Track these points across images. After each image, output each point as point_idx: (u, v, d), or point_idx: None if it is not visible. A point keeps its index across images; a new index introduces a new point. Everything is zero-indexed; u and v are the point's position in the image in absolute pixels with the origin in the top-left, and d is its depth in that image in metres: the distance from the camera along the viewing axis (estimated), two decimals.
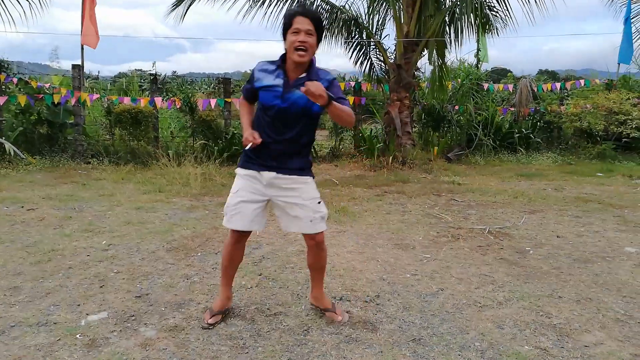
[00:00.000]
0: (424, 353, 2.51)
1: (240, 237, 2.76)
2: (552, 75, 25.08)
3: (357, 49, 10.59)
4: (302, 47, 2.47)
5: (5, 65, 9.21)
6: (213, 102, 9.55)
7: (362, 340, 2.62)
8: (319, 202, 2.71)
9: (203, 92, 15.25)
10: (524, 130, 11.09)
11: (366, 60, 10.67)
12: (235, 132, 9.29)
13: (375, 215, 5.46)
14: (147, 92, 12.84)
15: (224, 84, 10.31)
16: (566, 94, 12.48)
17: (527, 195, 6.61)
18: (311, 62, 2.58)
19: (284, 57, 2.59)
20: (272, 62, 2.63)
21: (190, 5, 9.77)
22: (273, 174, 2.63)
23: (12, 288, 3.18)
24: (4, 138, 8.08)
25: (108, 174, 7.34)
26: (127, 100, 9.08)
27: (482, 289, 3.40)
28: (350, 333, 2.70)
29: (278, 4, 9.76)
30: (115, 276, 3.45)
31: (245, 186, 2.67)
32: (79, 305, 2.96)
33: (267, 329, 2.74)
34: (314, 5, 9.84)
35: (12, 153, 7.62)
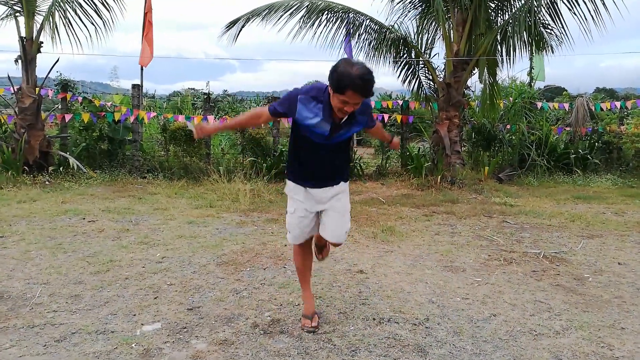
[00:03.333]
0: None
1: (306, 243, 3.06)
2: (610, 94, 24.03)
3: (406, 67, 10.56)
4: (346, 113, 2.56)
5: (71, 85, 9.81)
6: None
7: None
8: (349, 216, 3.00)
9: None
10: (580, 150, 10.65)
11: (414, 79, 10.61)
12: (283, 149, 9.45)
13: (423, 235, 5.37)
14: (199, 110, 13.31)
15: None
16: (626, 113, 11.91)
17: (584, 218, 6.31)
18: None
19: (329, 100, 2.56)
20: (313, 97, 2.59)
21: (243, 27, 10.10)
22: (320, 189, 2.84)
23: (74, 296, 3.34)
24: (68, 153, 8.58)
25: (162, 188, 7.62)
26: (181, 118, 9.45)
27: (537, 316, 3.27)
28: (399, 356, 2.65)
29: (327, 25, 9.93)
30: (168, 288, 3.56)
31: (300, 206, 2.88)
32: (134, 315, 3.07)
33: (314, 347, 2.74)
34: (362, 27, 9.93)
35: (76, 167, 8.08)
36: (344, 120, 2.63)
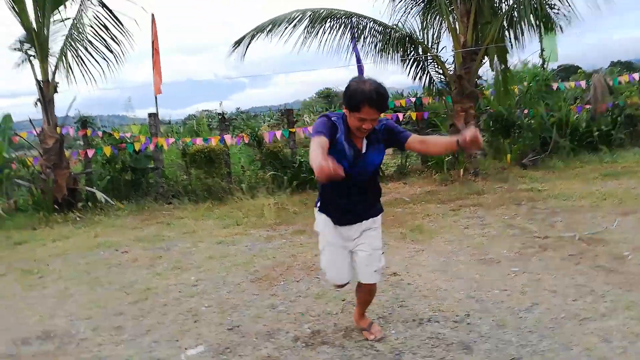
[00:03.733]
0: None
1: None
2: (626, 66, 23.45)
3: (415, 64, 10.52)
4: (365, 132, 2.52)
5: (90, 121, 10.05)
6: (278, 133, 9.83)
7: None
8: (382, 253, 2.84)
9: (267, 125, 15.75)
10: (603, 127, 10.42)
11: (425, 75, 10.56)
12: (302, 160, 9.48)
13: (453, 231, 5.32)
14: (215, 131, 13.48)
15: (286, 115, 10.61)
16: None
17: (616, 196, 6.17)
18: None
19: (346, 122, 2.55)
20: (338, 119, 2.57)
21: (249, 44, 10.22)
22: (347, 227, 2.75)
23: (116, 328, 3.40)
24: (94, 188, 8.77)
25: (189, 212, 7.72)
26: (199, 141, 9.57)
27: (580, 300, 3.20)
28: (444, 355, 2.62)
29: (332, 32, 9.97)
30: (206, 310, 3.60)
31: (329, 241, 2.80)
32: (177, 340, 3.11)
33: (358, 355, 2.73)
34: (367, 29, 9.95)
35: (104, 201, 8.25)
36: (365, 147, 2.59)
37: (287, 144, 10.16)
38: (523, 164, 9.33)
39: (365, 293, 2.93)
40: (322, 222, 2.81)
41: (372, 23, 10.08)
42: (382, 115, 2.58)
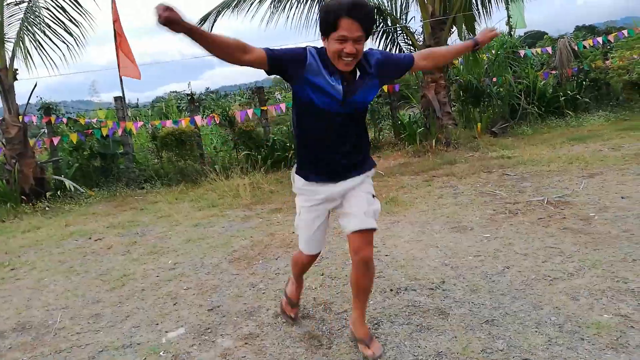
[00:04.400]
0: (499, 333, 2.48)
1: (314, 258, 2.69)
2: (590, 30, 23.89)
3: (384, 36, 10.50)
4: (349, 56, 2.07)
5: (54, 107, 9.74)
6: (250, 112, 9.72)
7: (434, 327, 2.62)
8: (374, 196, 2.41)
9: (239, 104, 15.55)
10: (569, 92, 10.65)
11: (394, 47, 10.56)
12: (275, 138, 9.43)
13: (427, 201, 5.40)
14: (186, 113, 13.24)
15: (257, 94, 10.48)
16: (609, 47, 11.86)
17: (582, 159, 6.35)
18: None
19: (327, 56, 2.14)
20: (320, 54, 2.15)
21: (215, 21, 9.99)
22: (336, 184, 2.36)
23: (95, 315, 3.37)
24: (63, 176, 8.55)
25: (162, 196, 7.62)
26: (169, 124, 9.40)
27: (550, 261, 3.31)
28: (421, 322, 2.70)
29: (299, 7, 9.82)
30: (185, 292, 3.59)
31: (308, 204, 2.46)
32: (157, 324, 3.11)
33: (338, 326, 2.78)
34: None
35: (72, 189, 8.06)
36: (357, 78, 2.17)
37: (260, 122, 10.07)
38: (493, 132, 9.49)
39: (360, 271, 2.33)
40: (302, 184, 2.42)
41: None
42: (368, 42, 2.16)
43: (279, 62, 2.09)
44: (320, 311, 3.00)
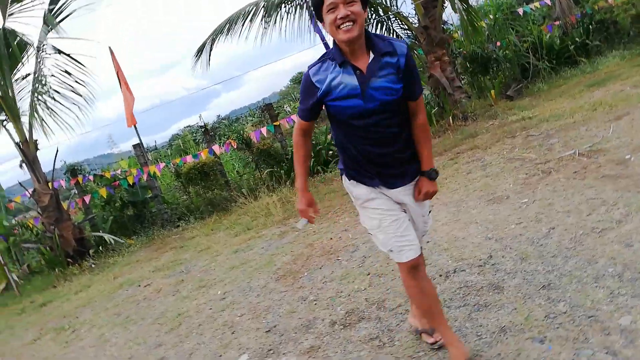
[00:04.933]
0: (559, 296, 2.43)
1: (419, 262, 2.23)
2: None
3: (378, 26, 10.46)
4: (346, 21, 1.93)
5: (78, 168, 10.05)
6: (264, 130, 9.81)
7: (492, 303, 2.59)
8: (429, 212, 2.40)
9: (252, 125, 15.71)
10: (577, 39, 10.38)
11: (391, 34, 10.50)
12: (291, 149, 9.47)
13: (456, 179, 5.35)
14: (203, 144, 13.46)
15: (267, 111, 10.58)
16: None
17: (605, 103, 6.17)
18: (368, 36, 2.03)
19: (336, 46, 2.04)
20: (322, 60, 2.08)
21: (211, 49, 10.14)
22: (395, 190, 2.18)
23: (160, 359, 3.45)
24: (100, 231, 8.80)
25: (198, 230, 7.75)
26: (189, 159, 9.57)
27: (594, 213, 3.23)
28: (477, 301, 2.67)
29: (289, 17, 9.88)
30: (240, 319, 3.64)
31: (379, 206, 2.18)
32: (220, 355, 3.16)
33: (395, 322, 2.77)
34: None
35: (112, 242, 8.28)
36: (370, 65, 2.00)
37: (275, 138, 10.15)
38: (508, 96, 9.32)
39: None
40: (356, 187, 2.20)
41: None
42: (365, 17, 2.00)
43: (312, 112, 2.14)
44: (374, 310, 3.00)
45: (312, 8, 2.07)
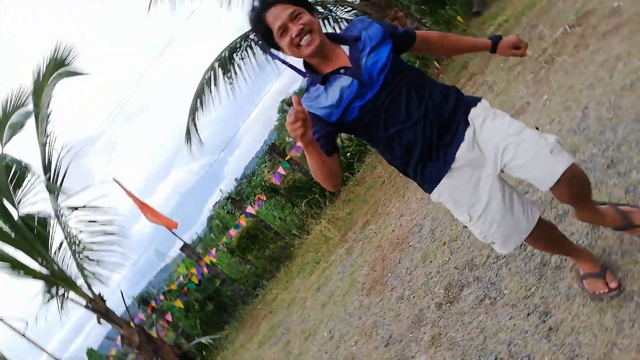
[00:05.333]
0: (627, 167, 2.37)
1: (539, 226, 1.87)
2: None
3: (325, 24, 10.49)
4: (303, 35, 1.75)
5: (147, 295, 10.38)
6: (281, 170, 9.90)
7: (567, 206, 2.52)
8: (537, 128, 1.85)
9: (268, 170, 15.89)
10: None
11: (335, 22, 10.50)
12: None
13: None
14: (237, 212, 13.67)
15: (273, 152, 10.71)
16: None
17: None
18: (332, 37, 1.87)
19: (308, 66, 1.87)
20: (307, 91, 1.86)
21: (197, 129, 10.36)
22: (462, 147, 1.80)
23: None
24: (195, 339, 9.00)
25: (275, 288, 7.83)
26: (233, 232, 9.74)
27: (615, 72, 3.14)
28: (555, 213, 2.60)
29: (245, 62, 10.02)
30: (357, 347, 3.63)
31: (462, 173, 1.82)
32: None
33: (493, 274, 2.73)
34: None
35: (211, 341, 8.46)
36: (349, 56, 1.81)
37: (294, 170, 10.24)
38: (476, 12, 9.16)
39: (576, 195, 1.85)
40: (443, 194, 1.86)
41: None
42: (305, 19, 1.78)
43: (327, 136, 1.83)
44: (468, 273, 2.96)
45: (262, 42, 1.90)
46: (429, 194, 1.88)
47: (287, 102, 24.02)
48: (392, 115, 1.78)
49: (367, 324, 3.78)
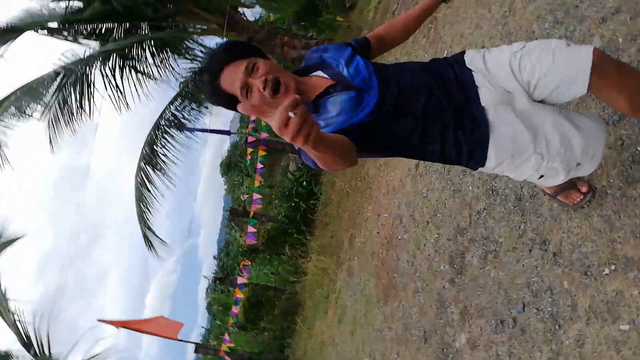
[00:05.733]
0: None
1: None
2: None
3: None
4: (272, 87, 1.51)
5: None
6: (251, 229, 9.70)
7: None
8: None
9: (240, 235, 15.66)
10: None
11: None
12: (318, 192, 9.46)
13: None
14: (230, 288, 13.37)
15: (236, 215, 10.59)
16: None
17: None
18: (297, 71, 1.73)
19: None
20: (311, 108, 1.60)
21: (153, 232, 10.12)
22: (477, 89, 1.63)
23: None
24: None
25: (303, 340, 7.64)
26: (236, 309, 9.51)
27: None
28: None
29: (168, 147, 9.90)
30: (401, 354, 3.59)
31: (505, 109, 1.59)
32: None
33: (480, 230, 2.78)
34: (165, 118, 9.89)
35: None
36: (331, 75, 1.66)
37: (263, 223, 10.12)
38: (350, 7, 9.43)
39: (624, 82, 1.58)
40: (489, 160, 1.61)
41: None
42: (262, 67, 1.54)
43: (355, 131, 1.56)
44: (460, 239, 3.01)
45: (231, 110, 1.62)
46: (482, 166, 1.63)
47: (226, 164, 23.97)
48: (407, 97, 1.60)
49: (398, 331, 3.75)
